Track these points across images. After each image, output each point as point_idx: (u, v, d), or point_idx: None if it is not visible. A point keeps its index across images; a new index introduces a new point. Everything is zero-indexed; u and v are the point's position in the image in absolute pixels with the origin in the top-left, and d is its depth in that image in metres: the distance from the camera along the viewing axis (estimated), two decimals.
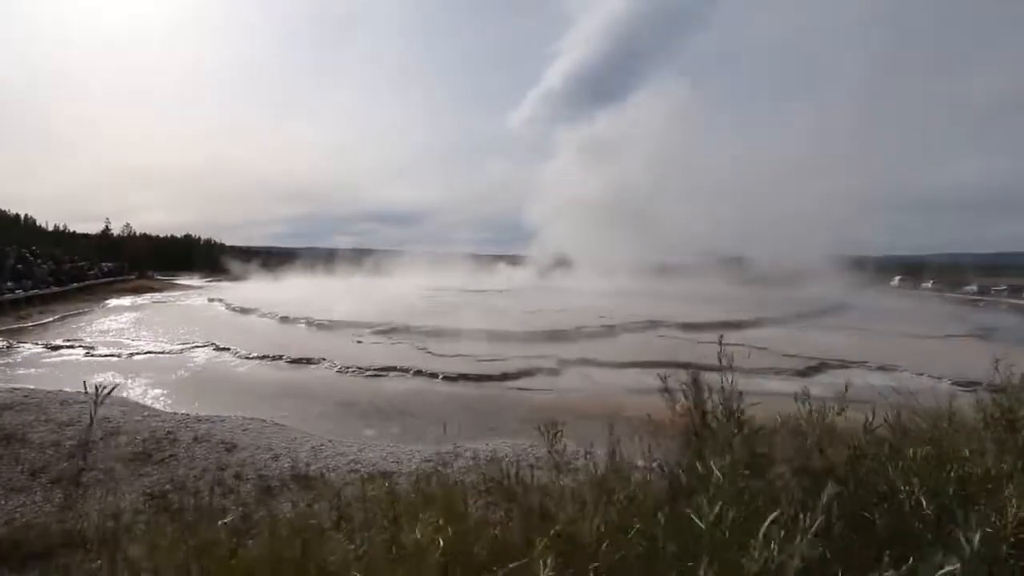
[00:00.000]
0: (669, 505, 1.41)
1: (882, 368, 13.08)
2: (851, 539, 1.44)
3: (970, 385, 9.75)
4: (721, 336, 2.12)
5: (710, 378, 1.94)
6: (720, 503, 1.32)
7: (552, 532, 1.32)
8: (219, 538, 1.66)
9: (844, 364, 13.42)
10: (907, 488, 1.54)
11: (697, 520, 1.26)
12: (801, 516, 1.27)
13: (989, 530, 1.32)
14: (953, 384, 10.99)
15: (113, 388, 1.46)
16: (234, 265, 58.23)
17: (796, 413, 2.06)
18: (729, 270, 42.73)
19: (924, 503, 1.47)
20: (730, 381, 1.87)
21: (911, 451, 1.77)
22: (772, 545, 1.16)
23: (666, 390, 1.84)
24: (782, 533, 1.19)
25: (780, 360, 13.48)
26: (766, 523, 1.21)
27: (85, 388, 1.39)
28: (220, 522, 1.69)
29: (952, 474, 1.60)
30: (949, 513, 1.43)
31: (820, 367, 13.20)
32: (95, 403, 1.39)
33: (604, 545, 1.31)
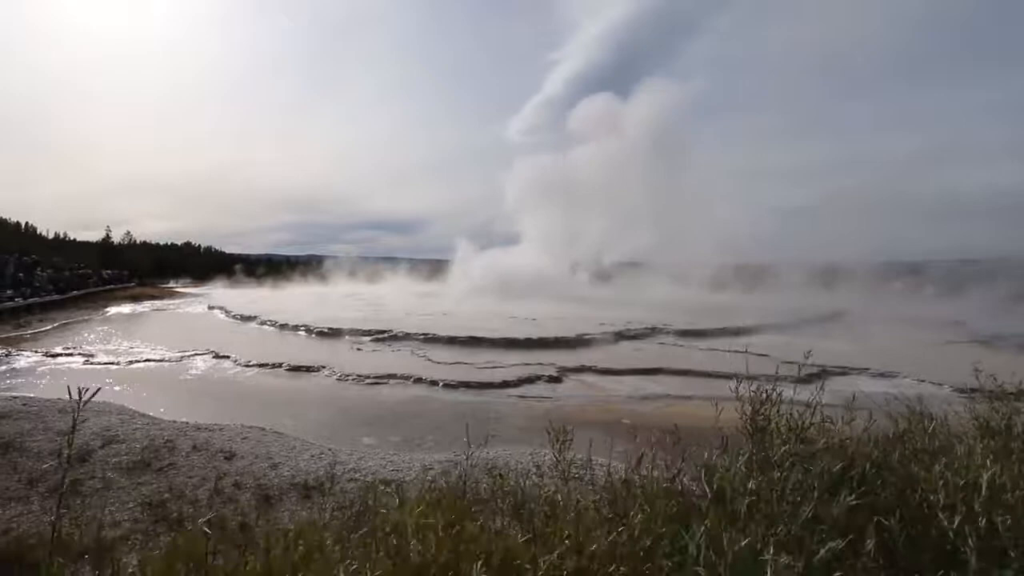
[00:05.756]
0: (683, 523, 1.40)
1: (882, 375, 13.07)
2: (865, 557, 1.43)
3: (970, 392, 9.73)
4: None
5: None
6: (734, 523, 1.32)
7: (555, 554, 1.30)
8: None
9: (845, 371, 13.41)
10: (924, 499, 1.53)
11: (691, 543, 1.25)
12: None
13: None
14: (954, 391, 10.97)
15: (98, 390, 1.47)
16: (235, 273, 58.29)
17: (807, 422, 2.06)
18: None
19: (933, 517, 1.46)
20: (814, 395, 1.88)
21: (919, 462, 1.77)
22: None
23: (738, 397, 1.84)
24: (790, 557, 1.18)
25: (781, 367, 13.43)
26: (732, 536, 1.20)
27: (69, 392, 1.41)
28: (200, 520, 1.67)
29: (958, 485, 1.59)
30: (955, 527, 1.43)
31: (821, 373, 13.17)
32: (78, 406, 1.41)
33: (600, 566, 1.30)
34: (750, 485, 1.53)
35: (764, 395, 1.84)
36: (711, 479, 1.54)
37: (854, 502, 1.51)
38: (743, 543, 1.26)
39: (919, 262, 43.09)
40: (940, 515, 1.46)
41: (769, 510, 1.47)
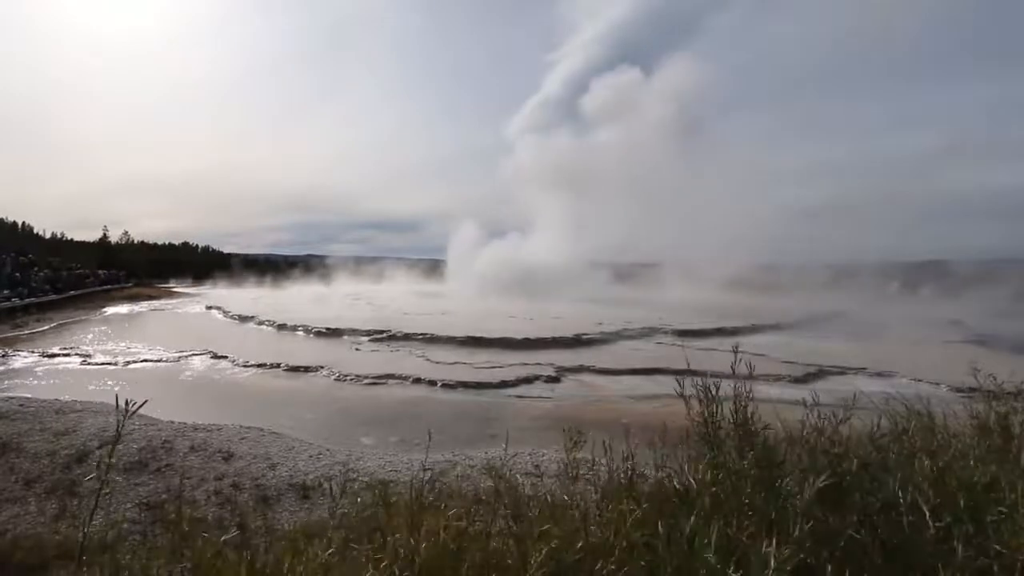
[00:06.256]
0: (665, 520, 1.40)
1: (879, 375, 13.12)
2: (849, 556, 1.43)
3: (968, 392, 9.76)
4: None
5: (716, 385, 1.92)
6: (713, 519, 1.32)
7: (545, 550, 1.30)
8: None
9: (843, 371, 13.46)
10: (911, 500, 1.53)
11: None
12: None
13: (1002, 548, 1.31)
14: (951, 390, 11.01)
15: (144, 403, 1.45)
16: (233, 273, 58.23)
17: (801, 420, 2.05)
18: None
19: (927, 517, 1.46)
20: (747, 389, 1.86)
21: (916, 461, 1.77)
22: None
23: (682, 396, 1.83)
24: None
25: (779, 366, 13.48)
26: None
27: (116, 402, 1.39)
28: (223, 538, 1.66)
29: (954, 485, 1.59)
30: (950, 528, 1.43)
31: (819, 373, 13.22)
32: (124, 416, 1.39)
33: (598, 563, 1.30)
34: (743, 487, 1.53)
35: (710, 393, 1.83)
36: (699, 479, 1.54)
37: (846, 503, 1.51)
38: (724, 544, 1.26)
39: (920, 262, 43.27)
40: (931, 517, 1.46)
41: (754, 511, 1.47)
